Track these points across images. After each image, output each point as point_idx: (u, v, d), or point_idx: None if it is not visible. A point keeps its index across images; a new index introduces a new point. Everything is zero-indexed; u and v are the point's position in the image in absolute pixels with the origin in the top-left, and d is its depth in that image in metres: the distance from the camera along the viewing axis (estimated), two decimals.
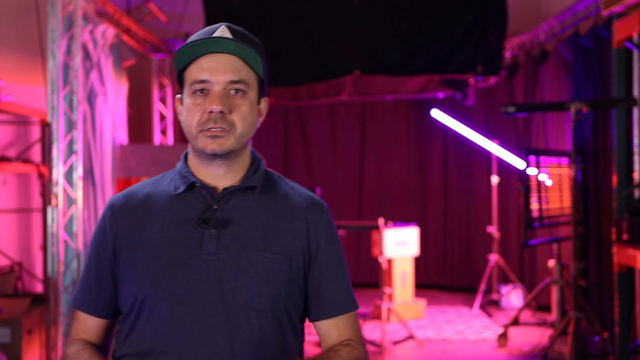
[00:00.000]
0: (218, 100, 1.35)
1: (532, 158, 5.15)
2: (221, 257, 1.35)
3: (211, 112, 1.36)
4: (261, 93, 1.46)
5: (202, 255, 1.35)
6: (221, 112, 1.35)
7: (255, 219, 1.40)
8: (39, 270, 5.34)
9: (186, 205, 1.41)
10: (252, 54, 1.39)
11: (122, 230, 1.41)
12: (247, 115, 1.39)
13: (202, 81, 1.37)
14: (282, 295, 1.37)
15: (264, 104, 1.48)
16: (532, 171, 5.15)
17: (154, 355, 1.33)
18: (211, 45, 1.38)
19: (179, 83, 1.45)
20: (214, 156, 1.38)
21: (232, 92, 1.38)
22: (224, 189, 1.41)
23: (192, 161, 1.45)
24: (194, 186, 1.42)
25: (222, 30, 1.39)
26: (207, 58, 1.38)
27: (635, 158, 4.43)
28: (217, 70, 1.37)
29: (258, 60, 1.40)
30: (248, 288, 1.34)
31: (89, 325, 1.46)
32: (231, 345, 1.32)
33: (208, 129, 1.36)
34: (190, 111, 1.38)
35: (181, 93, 1.44)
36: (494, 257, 6.81)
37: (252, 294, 1.34)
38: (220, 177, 1.42)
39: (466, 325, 6.06)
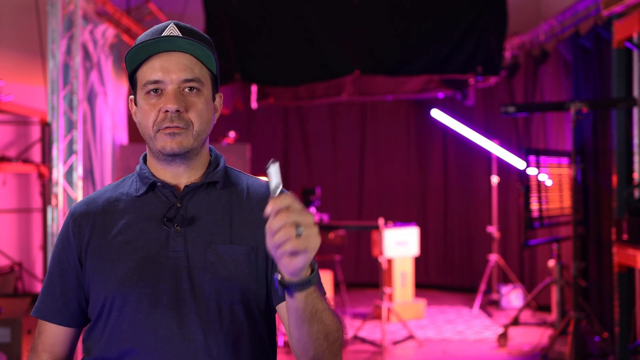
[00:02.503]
0: (173, 100, 1.35)
1: (532, 158, 5.15)
2: (189, 253, 1.35)
3: (167, 111, 1.35)
4: (215, 89, 1.45)
5: (169, 254, 1.35)
6: (177, 111, 1.35)
7: (220, 213, 1.40)
8: (39, 270, 5.34)
9: (149, 205, 1.40)
10: (204, 51, 1.38)
11: (86, 236, 1.40)
12: (203, 112, 1.38)
13: (156, 81, 1.36)
14: (251, 286, 1.37)
15: (218, 100, 1.47)
16: (532, 171, 5.15)
17: (128, 357, 1.32)
18: (162, 45, 1.36)
19: (131, 84, 1.44)
20: (173, 156, 1.38)
21: (187, 90, 1.37)
22: (186, 186, 1.40)
23: (151, 162, 1.44)
24: (155, 186, 1.42)
25: (171, 29, 1.38)
26: (159, 58, 1.37)
27: (635, 158, 4.43)
28: (170, 70, 1.36)
29: (210, 56, 1.40)
30: (217, 282, 1.34)
31: (57, 335, 1.43)
32: (205, 340, 1.32)
33: (165, 128, 1.35)
34: (146, 112, 1.37)
35: (134, 94, 1.43)
36: (494, 257, 6.81)
37: (222, 287, 1.34)
38: (180, 175, 1.42)
39: (466, 325, 6.06)
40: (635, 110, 4.42)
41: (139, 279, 1.33)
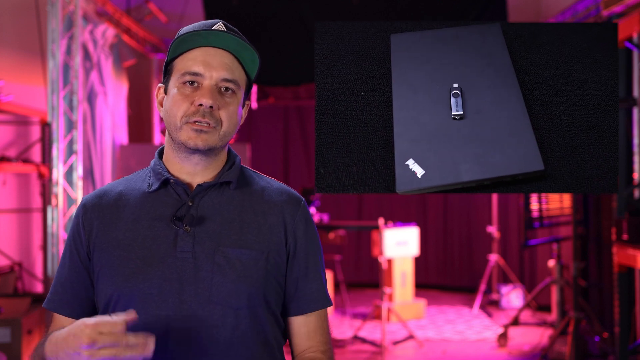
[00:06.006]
0: (209, 95, 1.33)
1: None
2: (196, 254, 1.33)
3: (200, 105, 1.33)
4: (247, 95, 1.43)
5: (176, 254, 1.33)
6: (210, 107, 1.33)
7: (231, 214, 1.38)
8: (39, 270, 5.34)
9: (160, 202, 1.38)
10: (251, 53, 1.38)
11: (95, 229, 1.39)
12: (233, 114, 1.37)
13: (195, 74, 1.34)
14: (259, 291, 1.35)
15: (245, 107, 1.45)
16: None
17: None
18: (211, 38, 1.36)
19: (165, 71, 1.41)
20: (195, 151, 1.36)
21: (223, 89, 1.36)
22: (199, 185, 1.38)
23: (168, 156, 1.42)
24: (168, 183, 1.40)
25: (219, 26, 1.36)
26: (203, 51, 1.36)
27: (635, 158, 4.43)
28: (212, 65, 1.34)
29: (255, 60, 1.39)
30: (224, 285, 1.32)
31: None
32: (208, 343, 1.31)
33: (194, 122, 1.33)
34: (177, 101, 1.35)
35: (165, 81, 1.41)
36: (494, 257, 6.81)
37: (229, 292, 1.32)
38: (196, 173, 1.40)
39: (466, 325, 6.06)
40: (635, 110, 4.42)
41: (144, 279, 1.32)
